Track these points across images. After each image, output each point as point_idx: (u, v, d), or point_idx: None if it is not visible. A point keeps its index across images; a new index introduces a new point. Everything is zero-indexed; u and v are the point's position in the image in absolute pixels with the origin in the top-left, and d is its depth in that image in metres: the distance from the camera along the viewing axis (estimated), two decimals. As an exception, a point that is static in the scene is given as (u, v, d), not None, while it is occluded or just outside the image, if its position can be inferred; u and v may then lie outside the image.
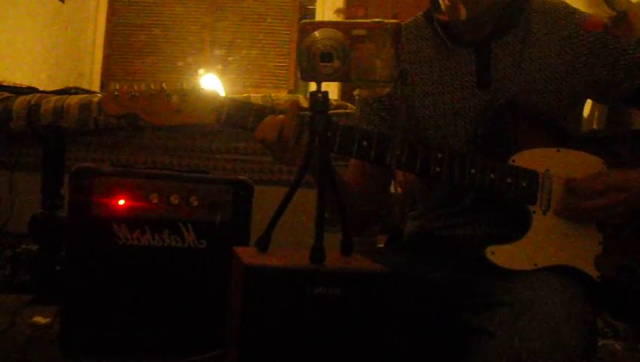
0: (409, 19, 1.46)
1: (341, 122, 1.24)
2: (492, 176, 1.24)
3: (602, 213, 1.24)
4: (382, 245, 1.59)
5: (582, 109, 1.47)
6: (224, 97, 1.23)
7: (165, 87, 1.23)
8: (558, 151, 1.28)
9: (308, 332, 0.98)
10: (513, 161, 1.26)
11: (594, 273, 1.24)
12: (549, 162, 1.27)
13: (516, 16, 1.36)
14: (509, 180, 1.25)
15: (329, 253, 1.02)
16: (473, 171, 1.24)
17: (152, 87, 1.23)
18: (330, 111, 1.08)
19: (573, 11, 1.38)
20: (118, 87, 1.23)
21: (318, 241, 1.01)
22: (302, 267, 1.00)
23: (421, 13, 1.45)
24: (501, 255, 1.23)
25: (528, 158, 1.27)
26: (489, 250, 1.23)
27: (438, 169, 1.24)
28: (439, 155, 1.24)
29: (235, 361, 1.00)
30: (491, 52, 1.35)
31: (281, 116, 1.19)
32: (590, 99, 1.51)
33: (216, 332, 1.59)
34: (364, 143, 1.22)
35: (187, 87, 1.23)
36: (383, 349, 1.00)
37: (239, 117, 1.22)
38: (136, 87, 1.22)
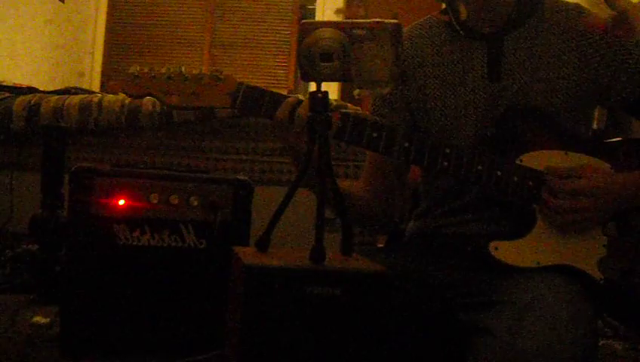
0: (421, 19, 1.48)
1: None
2: (499, 173, 1.25)
3: (569, 215, 1.24)
4: (382, 245, 1.59)
5: (592, 112, 1.47)
6: (240, 82, 1.24)
7: (184, 70, 1.24)
8: (566, 154, 1.28)
9: (308, 332, 0.98)
10: (521, 160, 1.27)
11: (597, 275, 1.24)
12: (555, 164, 1.27)
13: (529, 11, 1.38)
14: (515, 179, 1.25)
15: (329, 253, 1.02)
16: (480, 168, 1.25)
17: (172, 70, 1.24)
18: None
19: (583, 11, 1.39)
20: (138, 68, 1.25)
21: (318, 241, 1.01)
22: (302, 267, 1.00)
23: (434, 13, 1.47)
24: (504, 250, 1.24)
25: (536, 159, 1.27)
26: (492, 245, 1.24)
27: (445, 163, 1.24)
28: (447, 150, 1.24)
29: (235, 361, 1.00)
30: (503, 45, 1.36)
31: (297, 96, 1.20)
32: (596, 101, 1.50)
33: (216, 332, 1.59)
34: (374, 135, 1.23)
35: (205, 71, 1.25)
36: (383, 349, 1.00)
37: (253, 102, 1.23)
38: (156, 69, 1.25)
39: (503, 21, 1.37)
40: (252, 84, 1.25)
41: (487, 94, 1.36)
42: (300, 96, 1.25)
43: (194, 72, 1.25)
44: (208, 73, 1.24)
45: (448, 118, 1.38)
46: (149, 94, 1.24)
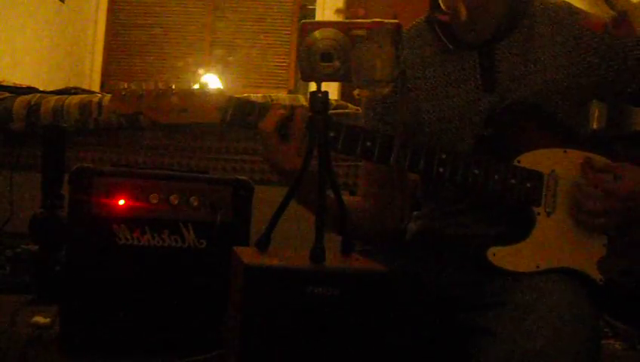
0: (411, 24, 1.45)
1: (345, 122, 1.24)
2: (496, 176, 1.24)
3: (600, 218, 1.23)
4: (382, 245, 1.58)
5: (588, 109, 1.47)
6: (229, 96, 1.23)
7: (172, 87, 1.23)
8: (565, 152, 1.28)
9: (308, 332, 0.98)
10: (518, 161, 1.26)
11: (597, 276, 1.23)
12: (555, 163, 1.26)
13: (519, 17, 1.36)
14: (513, 181, 1.24)
15: (329, 253, 1.02)
16: (477, 172, 1.24)
17: (160, 86, 1.23)
18: (330, 112, 1.08)
19: (576, 12, 1.37)
20: (126, 86, 1.24)
21: (318, 241, 1.01)
22: (302, 267, 1.00)
23: (422, 17, 1.45)
24: (503, 257, 1.23)
25: (534, 159, 1.26)
26: (490, 251, 1.23)
27: (441, 169, 1.23)
28: (443, 156, 1.23)
29: (235, 361, 1.00)
30: (495, 54, 1.35)
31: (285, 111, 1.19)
32: (596, 98, 1.50)
33: (216, 332, 1.58)
34: (368, 143, 1.22)
35: (193, 86, 1.24)
36: (383, 349, 1.00)
37: (243, 115, 1.22)
38: (144, 86, 1.23)
39: (492, 30, 1.35)
40: (248, 90, 1.25)
41: (484, 105, 1.34)
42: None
43: (183, 87, 1.23)
44: (197, 89, 1.23)
45: (444, 130, 1.37)
46: (139, 112, 1.23)
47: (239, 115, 1.22)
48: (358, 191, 1.50)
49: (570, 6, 1.39)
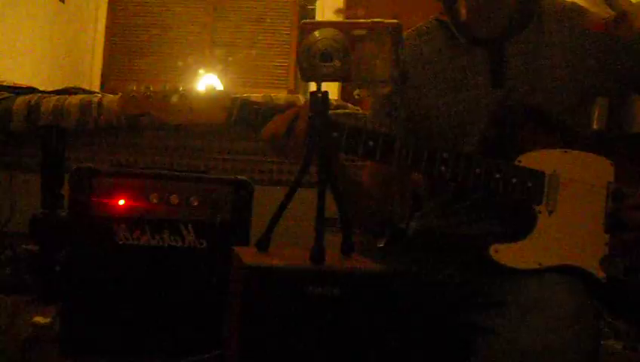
0: (421, 23, 1.47)
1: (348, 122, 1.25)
2: (497, 176, 1.25)
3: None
4: (382, 245, 1.59)
5: (591, 109, 1.47)
6: (235, 97, 1.25)
7: (179, 88, 1.26)
8: (565, 152, 1.28)
9: (308, 332, 0.98)
10: (519, 161, 1.27)
11: (600, 274, 1.24)
12: (555, 163, 1.27)
13: (529, 14, 1.37)
14: (514, 180, 1.25)
15: (329, 253, 1.02)
16: (478, 171, 1.24)
17: (167, 87, 1.26)
18: (330, 112, 1.09)
19: (584, 11, 1.39)
20: (134, 87, 1.26)
21: (318, 241, 1.01)
22: (302, 267, 1.00)
23: (433, 16, 1.46)
24: (505, 253, 1.23)
25: (535, 159, 1.27)
26: (493, 248, 1.23)
27: (443, 168, 1.24)
28: (445, 155, 1.24)
29: (235, 361, 1.00)
30: (505, 50, 1.36)
31: (293, 110, 1.19)
32: (605, 95, 1.51)
33: (216, 332, 1.59)
34: (370, 143, 1.23)
35: (200, 88, 1.26)
36: (383, 349, 1.00)
37: (249, 116, 1.23)
38: (152, 88, 1.26)
39: (503, 26, 1.37)
40: (248, 90, 1.26)
41: (492, 100, 1.36)
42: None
43: (189, 88, 1.26)
44: (203, 90, 1.25)
45: (452, 125, 1.38)
46: (147, 113, 1.25)
47: (244, 116, 1.24)
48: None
49: (577, 6, 1.40)
